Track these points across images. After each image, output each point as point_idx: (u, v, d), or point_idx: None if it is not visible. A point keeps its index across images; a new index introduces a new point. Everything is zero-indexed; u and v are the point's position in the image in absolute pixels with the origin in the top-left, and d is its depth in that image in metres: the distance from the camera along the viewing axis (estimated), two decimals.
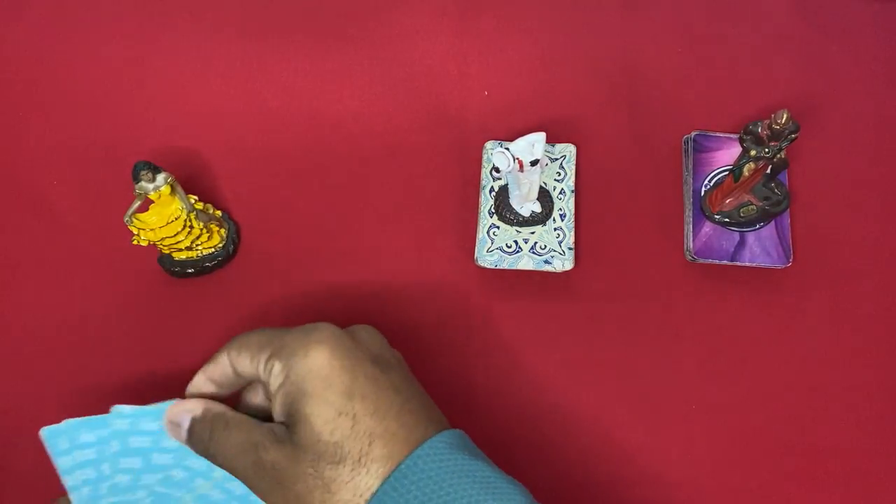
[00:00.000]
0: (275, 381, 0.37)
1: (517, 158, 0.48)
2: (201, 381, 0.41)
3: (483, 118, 0.59)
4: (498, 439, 0.52)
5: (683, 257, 0.56)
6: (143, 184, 0.47)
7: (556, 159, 0.57)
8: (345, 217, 0.57)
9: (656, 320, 0.54)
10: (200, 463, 0.40)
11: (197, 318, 0.54)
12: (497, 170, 0.56)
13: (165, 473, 0.42)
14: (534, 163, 0.49)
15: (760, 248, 0.54)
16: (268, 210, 0.57)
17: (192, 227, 0.51)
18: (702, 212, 0.55)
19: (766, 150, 0.48)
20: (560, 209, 0.55)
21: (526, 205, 0.54)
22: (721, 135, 0.57)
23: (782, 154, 0.49)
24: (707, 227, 0.55)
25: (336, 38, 0.62)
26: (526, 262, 0.53)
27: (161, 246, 0.52)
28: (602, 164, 0.58)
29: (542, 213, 0.54)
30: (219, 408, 0.39)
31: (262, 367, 0.38)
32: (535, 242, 0.54)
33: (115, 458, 0.41)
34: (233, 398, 0.43)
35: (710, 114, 0.59)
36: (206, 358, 0.42)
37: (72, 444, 0.40)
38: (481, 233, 0.54)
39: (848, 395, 0.53)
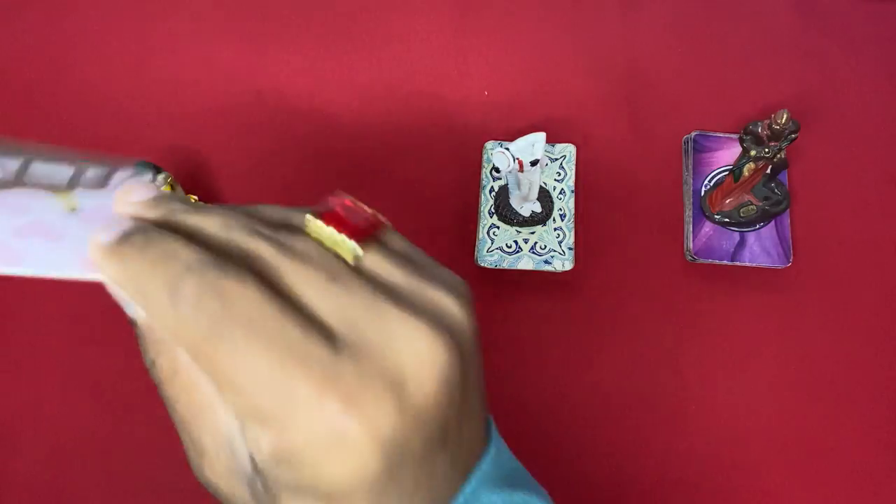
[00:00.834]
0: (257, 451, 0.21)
1: (517, 158, 0.48)
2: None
3: (483, 118, 0.59)
4: None
5: (683, 257, 0.56)
6: None
7: (556, 159, 0.57)
8: None
9: (656, 320, 0.54)
10: None
11: None
12: (497, 170, 0.56)
13: None
14: (534, 163, 0.49)
15: (760, 248, 0.54)
16: None
17: None
18: (702, 212, 0.55)
19: (766, 150, 0.48)
20: (560, 209, 0.55)
21: (526, 205, 0.54)
22: (721, 135, 0.57)
23: (782, 154, 0.49)
24: (707, 227, 0.55)
25: (336, 38, 0.62)
26: (526, 262, 0.53)
27: None
28: (602, 164, 0.58)
29: (542, 213, 0.54)
30: None
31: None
32: (536, 242, 0.54)
33: None
34: None
35: (710, 114, 0.59)
36: None
37: None
38: (481, 233, 0.54)
39: (848, 395, 0.53)
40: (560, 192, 0.55)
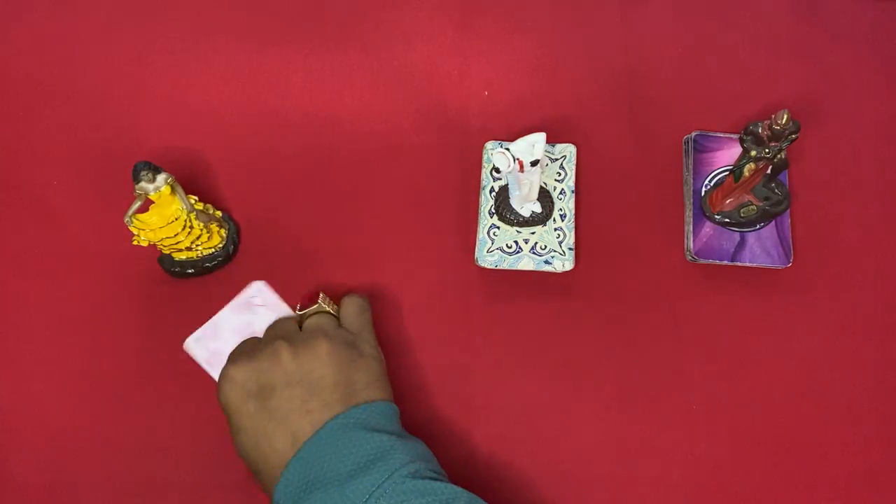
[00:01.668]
0: None
1: (517, 158, 0.48)
2: None
3: (483, 118, 0.59)
4: (498, 439, 0.52)
5: (683, 257, 0.56)
6: (143, 184, 0.47)
7: (556, 159, 0.56)
8: (345, 217, 0.57)
9: (656, 320, 0.54)
10: None
11: (197, 318, 0.54)
12: (497, 170, 0.56)
13: None
14: (534, 163, 0.49)
15: (760, 248, 0.54)
16: (268, 210, 0.57)
17: (191, 227, 0.51)
18: (702, 212, 0.55)
19: (767, 150, 0.48)
20: (560, 209, 0.55)
21: (526, 205, 0.54)
22: (721, 135, 0.57)
23: (782, 154, 0.49)
24: (707, 228, 0.55)
25: (336, 38, 0.62)
26: (526, 263, 0.53)
27: (161, 246, 0.52)
28: (602, 164, 0.58)
29: (542, 213, 0.54)
30: None
31: None
32: (536, 243, 0.54)
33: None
34: None
35: (710, 114, 0.59)
36: None
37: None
38: (481, 233, 0.54)
39: (848, 395, 0.53)
40: (560, 193, 0.55)
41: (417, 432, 0.51)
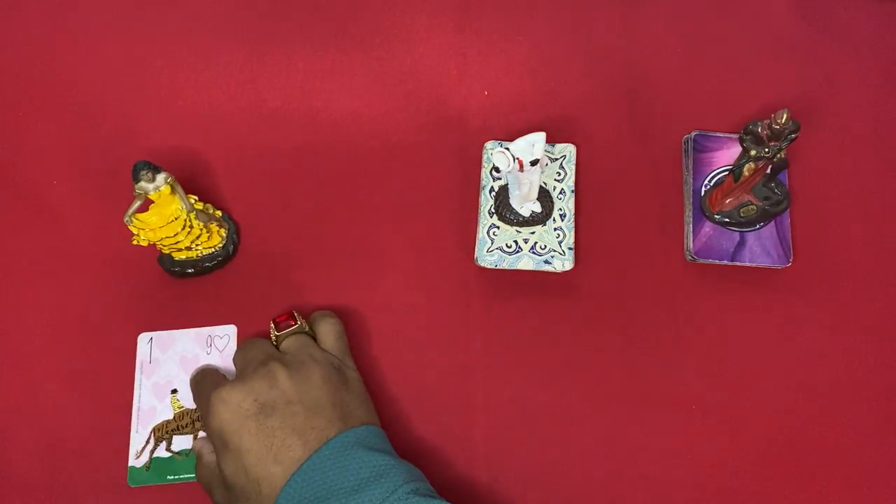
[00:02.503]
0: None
1: (517, 158, 0.48)
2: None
3: (483, 118, 0.59)
4: (498, 439, 0.52)
5: (683, 257, 0.56)
6: (142, 184, 0.47)
7: (556, 159, 0.57)
8: (345, 217, 0.57)
9: (656, 320, 0.54)
10: None
11: (197, 318, 0.54)
12: (497, 170, 0.56)
13: None
14: (534, 163, 0.49)
15: (760, 248, 0.54)
16: (268, 210, 0.57)
17: (191, 227, 0.51)
18: (702, 212, 0.55)
19: (766, 150, 0.48)
20: (560, 209, 0.55)
21: (526, 205, 0.54)
22: (721, 135, 0.57)
23: (782, 154, 0.49)
24: (707, 227, 0.55)
25: (336, 38, 0.62)
26: (526, 262, 0.53)
27: (161, 246, 0.52)
28: (602, 164, 0.58)
29: (542, 213, 0.54)
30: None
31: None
32: (535, 242, 0.54)
33: None
34: None
35: (710, 114, 0.59)
36: None
37: None
38: (481, 233, 0.54)
39: (848, 395, 0.53)
40: (560, 192, 0.55)
41: (417, 432, 0.52)
